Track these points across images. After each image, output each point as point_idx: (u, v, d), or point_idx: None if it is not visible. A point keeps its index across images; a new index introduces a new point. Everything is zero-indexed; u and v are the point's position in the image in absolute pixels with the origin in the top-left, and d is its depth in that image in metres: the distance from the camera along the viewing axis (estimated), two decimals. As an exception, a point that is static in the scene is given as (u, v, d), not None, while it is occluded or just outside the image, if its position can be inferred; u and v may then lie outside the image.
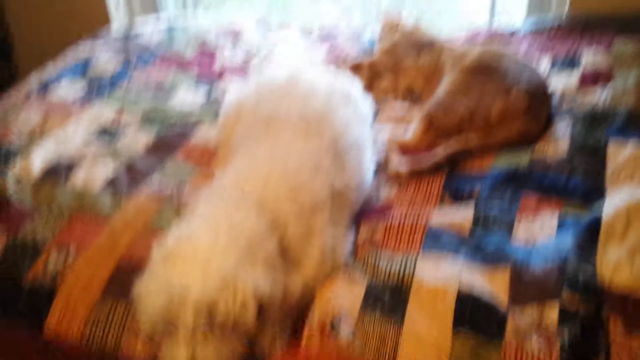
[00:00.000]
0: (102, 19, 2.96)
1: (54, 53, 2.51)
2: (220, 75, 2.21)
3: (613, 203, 1.36)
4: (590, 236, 1.29)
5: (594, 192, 1.45)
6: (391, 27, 2.17)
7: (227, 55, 2.35)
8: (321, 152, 1.35)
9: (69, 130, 1.88)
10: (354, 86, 1.68)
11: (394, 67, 2.06)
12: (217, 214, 1.16)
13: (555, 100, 1.84)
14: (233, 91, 1.75)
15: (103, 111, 1.99)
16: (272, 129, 1.41)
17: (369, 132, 1.74)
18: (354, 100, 1.63)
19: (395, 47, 2.09)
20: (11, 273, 1.40)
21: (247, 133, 1.46)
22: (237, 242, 1.10)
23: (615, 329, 1.12)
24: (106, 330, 1.29)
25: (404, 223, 1.42)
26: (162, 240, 1.14)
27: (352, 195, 1.40)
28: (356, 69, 2.10)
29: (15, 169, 1.70)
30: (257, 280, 1.07)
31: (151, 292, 1.07)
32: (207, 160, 1.74)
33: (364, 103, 1.69)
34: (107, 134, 1.87)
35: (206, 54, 2.37)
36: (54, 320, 1.32)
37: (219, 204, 1.21)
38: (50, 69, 2.26)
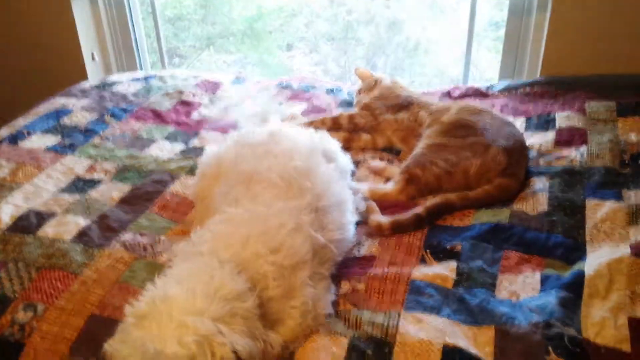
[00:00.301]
0: (80, 76, 2.94)
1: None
2: (197, 128, 2.20)
3: (594, 261, 1.37)
4: (572, 294, 1.28)
5: (575, 249, 1.45)
6: (369, 81, 2.20)
7: (203, 109, 2.35)
8: (302, 211, 1.34)
9: (40, 182, 1.83)
10: (333, 142, 1.68)
11: (373, 121, 2.07)
12: (193, 275, 1.13)
13: (532, 157, 1.86)
14: (213, 143, 1.74)
15: (76, 163, 1.94)
16: (253, 187, 1.39)
17: (350, 187, 1.74)
18: (334, 156, 1.63)
19: (374, 102, 2.11)
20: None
21: (227, 190, 1.44)
22: (214, 302, 1.07)
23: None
24: (74, 391, 1.22)
25: (386, 275, 1.40)
26: (135, 299, 1.10)
27: (334, 250, 1.38)
28: (336, 122, 2.10)
29: (-18, 220, 1.63)
30: (234, 340, 1.04)
31: (125, 354, 1.02)
32: (183, 213, 1.71)
33: (344, 158, 1.69)
34: (80, 185, 1.82)
35: (183, 106, 2.36)
36: (21, 377, 1.25)
37: (196, 264, 1.18)
38: (22, 120, 2.21)
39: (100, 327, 1.29)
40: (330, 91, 2.45)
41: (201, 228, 1.33)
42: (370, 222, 1.61)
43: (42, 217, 1.65)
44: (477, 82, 2.56)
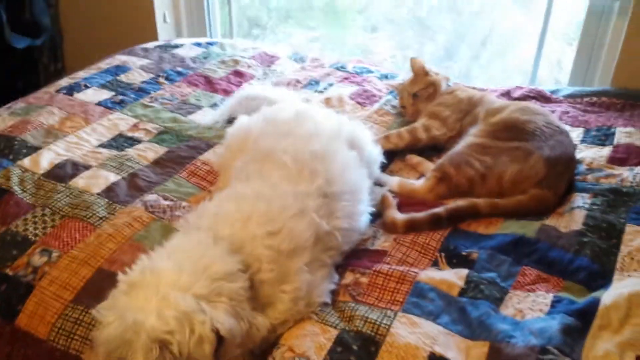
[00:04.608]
0: (151, 36, 3.01)
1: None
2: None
3: (615, 291, 1.27)
4: (580, 322, 1.20)
5: (599, 276, 1.36)
6: (422, 80, 2.05)
7: (255, 81, 2.35)
8: (309, 196, 1.31)
9: (85, 134, 1.90)
10: (363, 131, 1.64)
11: (452, 134, 1.90)
12: (185, 250, 1.15)
13: (580, 172, 1.75)
14: (245, 116, 1.73)
15: (122, 119, 2.00)
16: (266, 167, 1.39)
17: (378, 178, 1.70)
18: (362, 145, 1.59)
19: (441, 110, 1.94)
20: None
21: (242, 165, 1.44)
22: (200, 280, 1.08)
23: None
24: (71, 336, 1.28)
25: (392, 273, 1.36)
26: (129, 269, 1.13)
27: (340, 239, 1.35)
28: (414, 135, 1.90)
29: (23, 163, 1.72)
30: (216, 319, 1.04)
31: (108, 321, 1.05)
32: (210, 182, 1.72)
33: (373, 148, 1.65)
34: (120, 142, 1.88)
35: (236, 75, 2.37)
36: (26, 314, 1.32)
37: (191, 240, 1.19)
38: (84, 72, 2.30)
39: (106, 280, 1.32)
40: (384, 77, 2.39)
41: (209, 201, 1.33)
42: (384, 217, 1.56)
43: (77, 168, 1.72)
44: (543, 83, 2.41)
